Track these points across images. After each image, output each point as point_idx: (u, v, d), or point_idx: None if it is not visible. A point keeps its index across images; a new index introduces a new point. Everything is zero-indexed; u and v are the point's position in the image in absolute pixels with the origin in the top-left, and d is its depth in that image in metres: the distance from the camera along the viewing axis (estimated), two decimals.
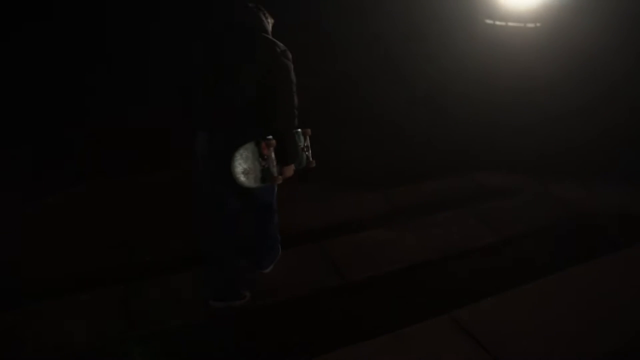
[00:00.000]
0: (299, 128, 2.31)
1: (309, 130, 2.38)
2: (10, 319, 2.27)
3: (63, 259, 2.81)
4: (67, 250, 2.90)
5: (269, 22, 2.25)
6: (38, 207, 3.36)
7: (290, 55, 2.12)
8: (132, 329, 2.25)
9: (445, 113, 4.91)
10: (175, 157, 3.81)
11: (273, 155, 2.12)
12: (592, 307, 2.24)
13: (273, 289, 2.54)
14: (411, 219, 3.34)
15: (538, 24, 5.75)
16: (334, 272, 2.73)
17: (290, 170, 2.24)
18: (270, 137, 2.13)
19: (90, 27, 4.23)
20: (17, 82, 3.95)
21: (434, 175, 4.15)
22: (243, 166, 2.06)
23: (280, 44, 2.11)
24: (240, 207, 2.34)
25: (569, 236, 3.19)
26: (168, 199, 3.52)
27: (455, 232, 3.18)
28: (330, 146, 4.14)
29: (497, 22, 5.86)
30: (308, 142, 2.42)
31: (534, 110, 4.84)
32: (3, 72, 3.87)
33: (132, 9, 4.29)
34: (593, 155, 4.35)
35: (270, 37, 2.18)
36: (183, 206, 3.28)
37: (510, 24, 5.83)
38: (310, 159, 2.39)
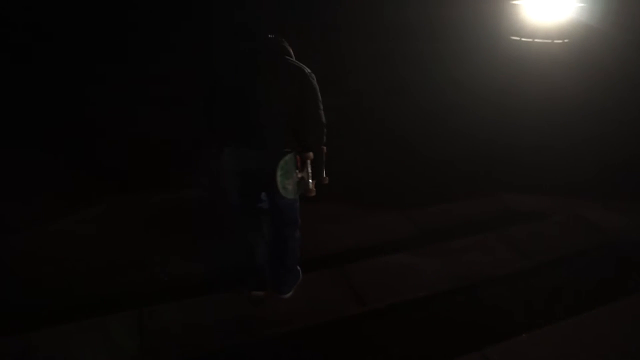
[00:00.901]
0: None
1: (324, 148, 2.44)
2: (22, 341, 2.23)
3: (77, 279, 2.77)
4: (81, 269, 2.86)
5: (290, 50, 2.37)
6: (53, 224, 3.35)
7: (315, 77, 2.26)
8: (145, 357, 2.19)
9: (470, 132, 4.77)
10: (194, 175, 3.79)
11: (309, 167, 2.27)
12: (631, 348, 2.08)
13: (290, 315, 2.46)
14: (435, 243, 3.21)
15: (566, 40, 5.60)
16: (355, 298, 2.63)
17: (313, 184, 2.35)
18: (305, 150, 2.28)
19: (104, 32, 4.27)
20: (30, 90, 3.99)
21: (458, 196, 4.00)
22: (284, 178, 2.21)
23: (307, 67, 2.26)
24: (266, 221, 2.46)
25: (602, 265, 3.02)
26: (185, 217, 3.48)
27: (482, 257, 3.04)
28: (349, 165, 4.08)
29: (524, 39, 5.74)
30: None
31: (564, 130, 4.68)
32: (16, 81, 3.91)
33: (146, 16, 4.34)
34: (626, 177, 4.16)
35: (296, 61, 2.30)
36: (200, 225, 3.28)
37: (537, 40, 5.70)
38: (324, 175, 2.42)
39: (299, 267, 2.65)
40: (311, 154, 2.27)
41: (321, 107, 2.26)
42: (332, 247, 3.18)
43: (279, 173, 2.18)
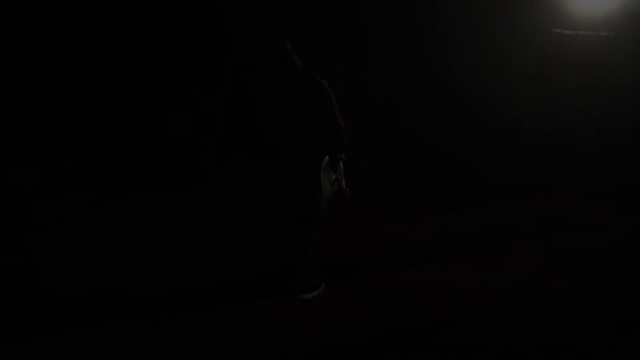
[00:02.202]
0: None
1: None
2: (27, 348, 2.12)
3: (88, 281, 2.67)
4: (91, 270, 2.77)
5: (296, 56, 2.37)
6: (70, 226, 3.28)
7: (326, 83, 2.33)
8: None
9: (511, 129, 4.43)
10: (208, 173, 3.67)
11: (342, 168, 2.38)
12: None
13: (313, 331, 2.25)
14: (472, 254, 2.94)
15: (612, 33, 5.20)
16: (383, 314, 2.40)
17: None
18: (334, 152, 2.37)
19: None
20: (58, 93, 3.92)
21: (498, 200, 3.70)
22: (326, 179, 2.33)
23: (317, 74, 2.33)
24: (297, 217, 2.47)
25: None
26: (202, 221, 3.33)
27: (525, 273, 2.75)
28: (376, 167, 3.85)
29: (566, 31, 5.36)
30: None
31: (612, 132, 4.29)
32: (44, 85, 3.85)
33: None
34: None
35: (306, 69, 2.36)
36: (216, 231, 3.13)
37: (580, 32, 5.31)
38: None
39: (323, 283, 2.53)
40: (343, 155, 2.36)
41: (337, 110, 2.34)
42: (358, 256, 2.97)
43: (322, 176, 2.29)
